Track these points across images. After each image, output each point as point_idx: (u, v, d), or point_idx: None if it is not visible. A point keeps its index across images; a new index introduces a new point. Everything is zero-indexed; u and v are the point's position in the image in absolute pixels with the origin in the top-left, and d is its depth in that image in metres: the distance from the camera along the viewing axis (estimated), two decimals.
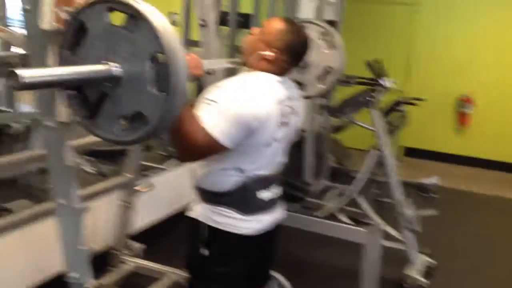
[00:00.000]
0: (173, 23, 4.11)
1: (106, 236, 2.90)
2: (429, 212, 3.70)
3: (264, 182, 1.78)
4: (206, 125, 1.54)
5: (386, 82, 3.58)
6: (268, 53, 1.72)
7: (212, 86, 1.71)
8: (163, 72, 1.16)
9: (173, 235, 3.23)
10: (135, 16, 1.17)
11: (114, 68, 1.19)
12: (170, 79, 1.15)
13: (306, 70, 2.66)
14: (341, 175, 4.86)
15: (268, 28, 1.75)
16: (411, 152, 6.38)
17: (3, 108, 4.05)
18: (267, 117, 1.65)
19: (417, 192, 4.93)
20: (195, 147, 1.53)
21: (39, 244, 2.47)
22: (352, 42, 5.51)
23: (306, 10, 4.75)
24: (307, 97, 2.74)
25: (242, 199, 1.74)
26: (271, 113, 1.67)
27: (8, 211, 2.71)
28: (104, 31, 1.22)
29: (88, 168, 3.43)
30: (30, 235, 2.44)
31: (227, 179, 1.71)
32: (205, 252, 1.76)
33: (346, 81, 3.88)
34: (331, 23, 4.47)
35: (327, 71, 2.67)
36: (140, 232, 3.23)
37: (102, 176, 3.38)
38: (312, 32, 2.64)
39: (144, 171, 3.33)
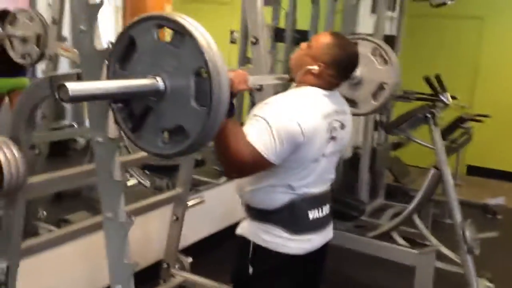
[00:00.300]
0: (233, 40, 4.17)
1: (158, 249, 2.94)
2: (490, 234, 3.51)
3: (315, 201, 1.76)
4: (252, 140, 1.54)
5: (446, 97, 3.47)
6: (314, 67, 1.71)
7: (260, 102, 1.72)
8: (205, 87, 1.17)
9: (223, 249, 3.23)
10: (181, 33, 1.20)
11: (159, 82, 1.22)
12: (212, 95, 1.17)
13: (360, 87, 2.60)
14: (399, 194, 4.72)
15: (315, 43, 1.74)
16: (474, 170, 6.11)
17: (70, 123, 4.22)
18: (314, 132, 1.63)
19: (482, 213, 4.71)
20: (241, 163, 1.53)
21: (94, 254, 2.53)
22: (415, 57, 5.40)
23: (365, 25, 4.68)
24: (360, 114, 2.69)
25: (291, 217, 1.71)
26: (318, 128, 1.65)
27: (68, 222, 2.82)
28: (151, 47, 1.25)
29: (144, 182, 3.51)
30: (86, 246, 2.52)
31: (276, 196, 1.70)
32: (252, 270, 1.75)
33: (405, 96, 3.79)
34: (391, 38, 4.39)
35: (382, 87, 2.61)
36: (190, 245, 3.27)
37: (157, 190, 3.46)
38: (365, 48, 2.59)
39: (198, 186, 3.38)
